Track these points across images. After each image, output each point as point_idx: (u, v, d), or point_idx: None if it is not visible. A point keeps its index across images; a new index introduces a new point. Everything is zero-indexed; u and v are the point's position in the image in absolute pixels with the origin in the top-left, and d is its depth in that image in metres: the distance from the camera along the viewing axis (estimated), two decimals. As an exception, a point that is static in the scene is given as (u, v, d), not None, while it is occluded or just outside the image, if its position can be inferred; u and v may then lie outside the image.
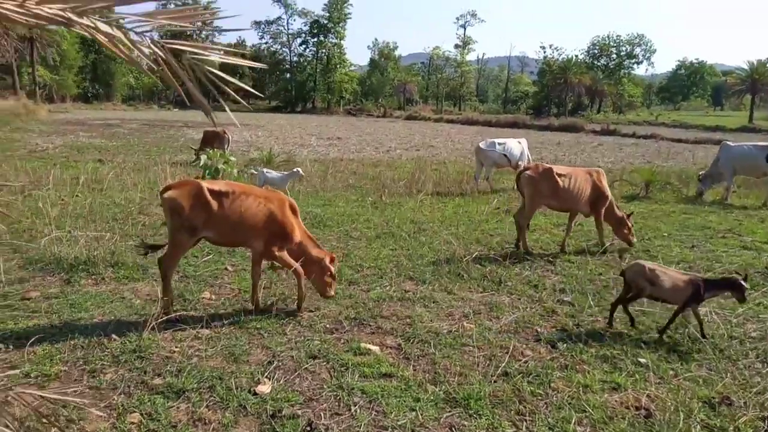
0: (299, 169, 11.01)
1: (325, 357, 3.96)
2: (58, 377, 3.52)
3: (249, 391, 3.43)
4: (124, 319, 4.41)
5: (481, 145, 12.73)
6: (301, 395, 3.46)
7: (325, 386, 3.58)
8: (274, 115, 65.51)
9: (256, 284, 4.79)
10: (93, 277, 5.37)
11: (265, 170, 10.80)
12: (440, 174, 14.59)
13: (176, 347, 3.99)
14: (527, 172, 7.26)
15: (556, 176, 7.07)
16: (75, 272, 5.40)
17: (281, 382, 3.59)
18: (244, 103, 2.26)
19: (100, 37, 1.44)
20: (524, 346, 4.34)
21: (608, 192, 7.36)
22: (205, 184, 4.43)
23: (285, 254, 4.70)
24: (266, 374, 3.66)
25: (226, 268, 5.93)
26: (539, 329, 4.65)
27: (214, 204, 4.35)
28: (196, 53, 1.66)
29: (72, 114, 48.38)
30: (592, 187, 7.21)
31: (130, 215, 8.23)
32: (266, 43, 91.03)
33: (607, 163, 19.76)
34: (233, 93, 1.77)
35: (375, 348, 4.13)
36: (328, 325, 4.56)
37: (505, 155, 12.51)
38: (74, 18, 1.37)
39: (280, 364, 3.83)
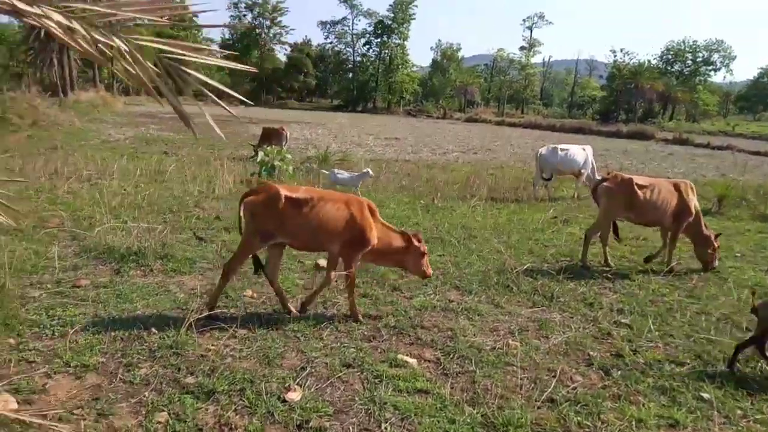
0: (369, 169, 10.79)
1: (360, 366, 3.82)
2: (95, 368, 3.55)
3: (279, 398, 3.33)
4: (165, 313, 4.44)
5: (542, 150, 12.26)
6: (331, 406, 3.33)
7: (356, 398, 3.43)
8: (335, 113, 66.32)
9: (350, 292, 4.68)
10: (142, 268, 5.47)
11: (335, 171, 10.66)
12: (496, 179, 14.20)
13: (212, 345, 3.96)
14: (605, 183, 6.86)
15: (636, 187, 6.64)
16: (125, 262, 5.52)
17: (312, 390, 3.48)
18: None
19: (54, 29, 1.33)
20: (574, 370, 4.04)
21: (695, 206, 6.80)
22: (285, 191, 4.40)
23: (358, 259, 4.64)
24: (298, 380, 3.56)
25: (271, 266, 5.89)
26: (592, 353, 4.33)
27: (292, 211, 4.34)
28: (171, 53, 1.52)
29: (145, 107, 50.78)
30: (677, 200, 6.72)
31: (185, 208, 8.41)
32: (331, 42, 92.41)
33: (677, 174, 18.68)
34: (209, 93, 1.60)
35: (412, 361, 3.95)
36: (366, 333, 4.42)
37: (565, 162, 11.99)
38: (21, 6, 1.26)
39: (313, 370, 3.72)
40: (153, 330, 4.09)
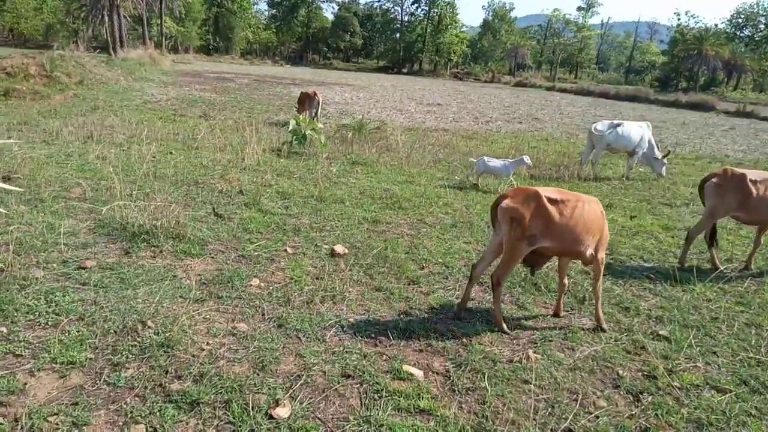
0: (527, 156, 9.82)
1: (360, 377, 3.52)
2: (82, 366, 3.38)
3: (266, 413, 3.08)
4: (166, 303, 4.25)
5: (597, 125, 11.45)
6: (322, 426, 3.07)
7: (351, 417, 3.15)
8: (379, 75, 65.26)
9: (598, 296, 4.55)
10: (152, 248, 5.30)
11: (485, 158, 9.75)
12: (539, 153, 13.47)
13: (207, 344, 3.75)
14: (713, 179, 6.18)
15: (750, 184, 5.98)
16: (136, 242, 5.36)
17: (304, 404, 3.21)
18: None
19: None
20: (598, 392, 3.63)
21: None
22: (543, 193, 4.18)
23: (603, 259, 4.49)
24: (290, 392, 3.30)
25: (285, 250, 5.65)
26: (621, 371, 3.89)
27: (554, 213, 4.14)
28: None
29: (193, 65, 51.23)
30: None
31: (210, 179, 8.24)
32: (379, 0, 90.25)
33: (737, 152, 17.40)
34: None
35: (418, 373, 3.63)
36: (373, 334, 4.12)
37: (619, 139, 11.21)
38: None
39: (309, 380, 3.46)
40: (149, 323, 3.90)
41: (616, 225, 7.66)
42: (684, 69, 64.69)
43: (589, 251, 4.34)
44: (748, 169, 6.54)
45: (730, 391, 3.72)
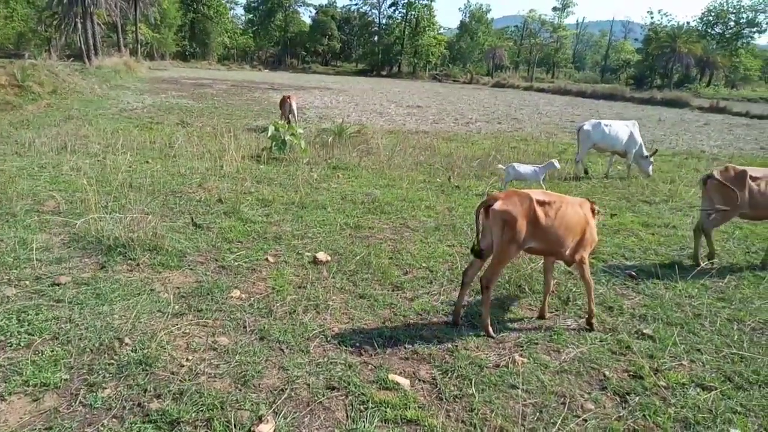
0: (555, 160, 9.74)
1: (346, 389, 3.45)
2: (56, 388, 3.26)
3: (249, 431, 3.00)
4: (143, 318, 4.14)
5: (585, 125, 11.56)
6: (307, 441, 2.99)
7: (336, 431, 3.08)
8: (359, 78, 65.22)
9: (589, 292, 4.57)
10: (129, 262, 5.17)
11: (515, 165, 9.66)
12: (519, 153, 13.54)
13: (187, 359, 3.64)
14: (716, 176, 6.26)
15: (750, 180, 6.08)
16: (112, 255, 5.23)
17: (288, 419, 3.14)
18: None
19: None
20: (586, 395, 3.61)
21: None
22: (534, 196, 4.25)
23: (587, 260, 4.57)
24: (274, 407, 3.22)
25: (266, 259, 5.55)
26: (607, 372, 3.88)
27: (542, 215, 4.22)
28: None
29: (169, 72, 50.63)
30: None
31: (188, 188, 8.10)
32: (356, 4, 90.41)
33: (713, 147, 17.71)
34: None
35: (405, 382, 3.57)
36: (358, 343, 4.05)
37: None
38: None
39: (293, 393, 3.38)
40: (126, 340, 3.79)
41: (597, 224, 7.68)
42: (658, 67, 65.78)
43: (569, 251, 4.40)
44: (743, 166, 6.64)
45: (716, 389, 3.73)
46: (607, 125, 11.40)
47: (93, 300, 4.38)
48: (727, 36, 71.00)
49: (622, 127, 11.42)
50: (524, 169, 9.52)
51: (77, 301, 4.32)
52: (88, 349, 3.66)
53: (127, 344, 3.75)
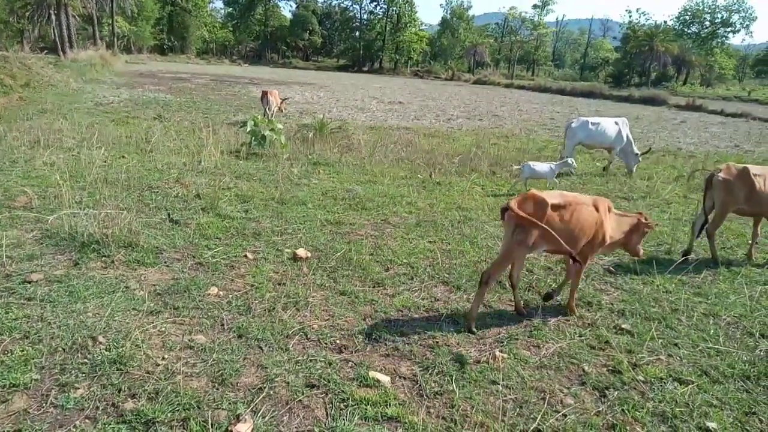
0: (572, 159, 9.75)
1: (326, 386, 3.41)
2: (26, 389, 3.16)
3: (226, 430, 2.94)
4: (118, 316, 4.04)
5: (573, 123, 11.70)
6: (286, 440, 2.95)
7: (316, 429, 3.04)
8: (340, 74, 64.97)
9: (574, 289, 4.79)
10: (103, 259, 5.05)
11: (530, 163, 9.69)
12: (499, 150, 13.60)
13: (163, 358, 3.57)
14: (720, 174, 6.33)
15: (753, 177, 6.17)
16: (86, 252, 5.10)
17: (267, 418, 3.09)
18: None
19: None
20: (565, 390, 3.63)
21: None
22: (548, 199, 4.31)
23: (589, 261, 4.78)
24: (252, 406, 3.17)
25: (245, 255, 5.47)
26: (586, 367, 3.90)
27: (556, 219, 4.31)
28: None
29: (147, 65, 49.79)
30: None
31: (165, 183, 7.96)
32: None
33: (689, 145, 18.01)
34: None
35: (385, 379, 3.54)
36: (338, 341, 4.01)
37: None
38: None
39: (272, 392, 3.32)
40: (99, 339, 3.69)
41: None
42: (636, 65, 66.74)
43: (577, 250, 4.48)
44: (738, 164, 6.77)
45: (693, 383, 3.78)
46: (594, 123, 11.55)
47: (66, 298, 4.26)
48: (703, 35, 72.39)
49: (610, 124, 11.58)
50: (540, 167, 9.59)
51: (49, 299, 4.20)
52: (60, 349, 3.56)
53: (100, 343, 3.65)
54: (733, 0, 71.21)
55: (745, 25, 71.74)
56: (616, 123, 11.66)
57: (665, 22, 72.19)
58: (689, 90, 55.88)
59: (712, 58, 69.22)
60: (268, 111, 15.57)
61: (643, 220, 4.86)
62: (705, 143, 18.81)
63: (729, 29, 72.19)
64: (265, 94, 16.06)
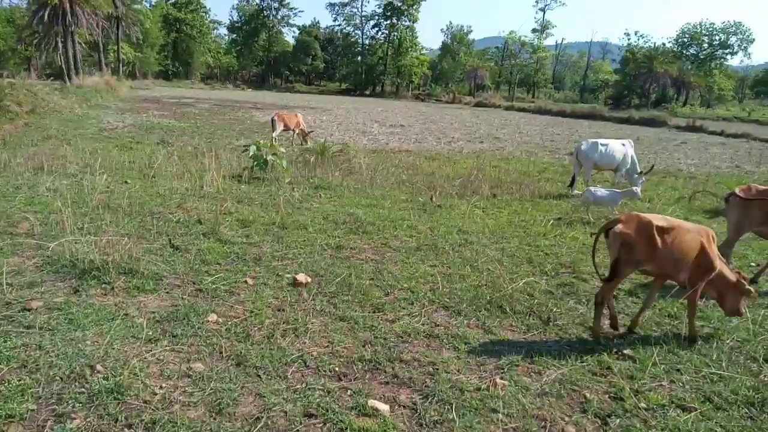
0: (636, 188, 9.56)
1: (324, 416, 3.38)
2: (22, 419, 3.14)
3: (222, 461, 2.91)
4: (116, 344, 4.02)
5: (582, 146, 11.81)
6: (283, 471, 2.91)
7: (314, 459, 3.01)
8: (342, 98, 65.65)
9: (692, 315, 4.79)
10: (103, 286, 5.05)
11: (592, 189, 9.55)
12: (500, 173, 13.66)
13: (161, 387, 3.54)
14: (738, 195, 6.37)
15: None
16: (86, 279, 5.11)
17: (264, 449, 3.05)
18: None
19: None
20: (567, 418, 3.58)
21: None
22: (654, 221, 4.56)
23: (701, 287, 4.74)
24: (249, 436, 3.14)
25: (245, 281, 5.47)
26: (588, 394, 3.86)
27: (659, 240, 4.52)
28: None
29: (151, 91, 50.45)
30: None
31: (167, 209, 8.00)
32: (339, 25, 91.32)
33: (690, 166, 18.06)
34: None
35: (384, 408, 3.51)
36: (337, 368, 3.98)
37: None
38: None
39: (269, 422, 3.29)
40: (98, 367, 3.68)
41: (577, 242, 7.75)
42: (636, 86, 67.20)
43: (683, 275, 4.67)
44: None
45: (696, 410, 3.73)
46: (603, 144, 11.65)
47: (65, 325, 4.25)
48: (702, 57, 73.11)
49: (618, 145, 11.70)
50: (601, 193, 9.45)
51: (48, 327, 4.20)
52: (57, 378, 3.55)
53: (98, 372, 3.64)
54: (730, 22, 72.13)
55: (743, 47, 72.53)
56: (624, 145, 11.77)
57: (664, 44, 72.90)
58: (689, 111, 56.16)
59: (712, 80, 69.78)
60: (274, 134, 16.51)
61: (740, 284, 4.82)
62: (706, 164, 18.85)
63: (727, 51, 72.95)
64: (281, 117, 17.16)
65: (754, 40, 72.22)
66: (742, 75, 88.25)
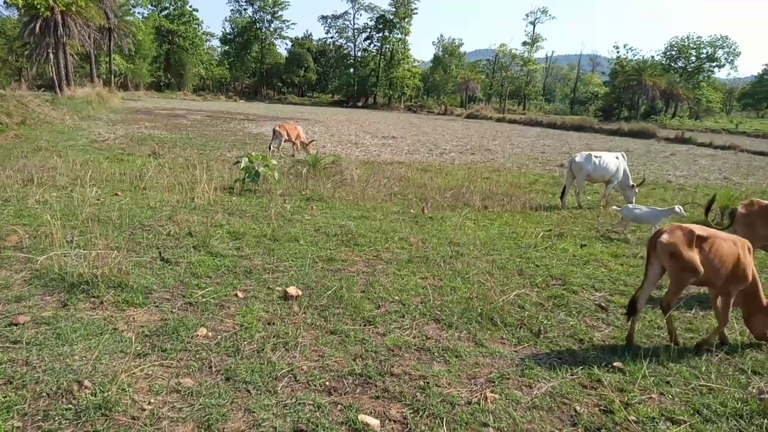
0: (679, 206, 9.28)
1: (314, 431, 3.36)
2: (7, 437, 3.10)
3: (211, 478, 2.89)
4: (105, 359, 3.99)
5: (577, 158, 11.91)
6: (272, 488, 2.89)
7: (303, 476, 2.99)
8: (335, 109, 65.84)
9: (721, 323, 4.99)
10: (92, 299, 5.01)
11: (630, 206, 9.38)
12: (491, 184, 13.72)
13: (149, 403, 3.51)
14: (740, 209, 6.49)
15: None
16: (75, 293, 5.07)
17: (253, 465, 3.03)
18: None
19: None
20: (557, 431, 3.58)
21: None
22: (696, 231, 4.81)
23: (732, 297, 4.97)
24: (238, 452, 3.11)
25: (236, 294, 5.45)
26: (578, 407, 3.87)
27: (701, 248, 4.78)
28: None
29: (143, 102, 50.41)
30: None
31: (158, 221, 7.96)
32: (332, 37, 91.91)
33: (679, 178, 18.23)
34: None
35: (374, 423, 3.50)
36: (327, 382, 3.97)
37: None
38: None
39: (259, 437, 3.27)
40: (86, 383, 3.64)
41: (567, 254, 7.79)
42: (625, 99, 67.95)
43: (720, 283, 4.88)
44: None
45: (685, 422, 3.74)
46: (597, 156, 11.76)
47: (53, 340, 4.21)
48: (690, 70, 74.16)
49: (611, 158, 11.81)
50: (640, 211, 9.29)
51: (35, 342, 4.16)
52: (44, 394, 3.51)
53: (86, 387, 3.60)
54: (717, 36, 73.27)
55: (729, 60, 73.63)
56: (617, 157, 11.90)
57: (652, 57, 73.93)
58: (678, 123, 56.83)
59: (700, 92, 70.71)
60: (274, 145, 17.01)
61: None
62: (694, 175, 19.05)
63: (714, 64, 74.04)
64: (283, 128, 17.66)
65: (740, 53, 73.42)
66: (730, 88, 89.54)
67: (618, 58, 75.52)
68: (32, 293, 5.07)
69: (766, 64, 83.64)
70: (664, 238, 4.79)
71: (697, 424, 3.75)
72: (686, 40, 74.17)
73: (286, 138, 17.81)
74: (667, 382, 4.31)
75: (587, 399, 4.00)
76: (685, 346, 4.99)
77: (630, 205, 9.71)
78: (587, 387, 4.18)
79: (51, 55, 43.83)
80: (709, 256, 4.78)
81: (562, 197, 11.94)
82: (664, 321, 5.07)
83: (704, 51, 73.67)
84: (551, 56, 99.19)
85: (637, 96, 64.66)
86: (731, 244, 4.88)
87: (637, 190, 11.86)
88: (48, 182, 10.31)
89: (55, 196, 9.13)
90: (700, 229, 4.87)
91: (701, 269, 4.75)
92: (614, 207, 10.46)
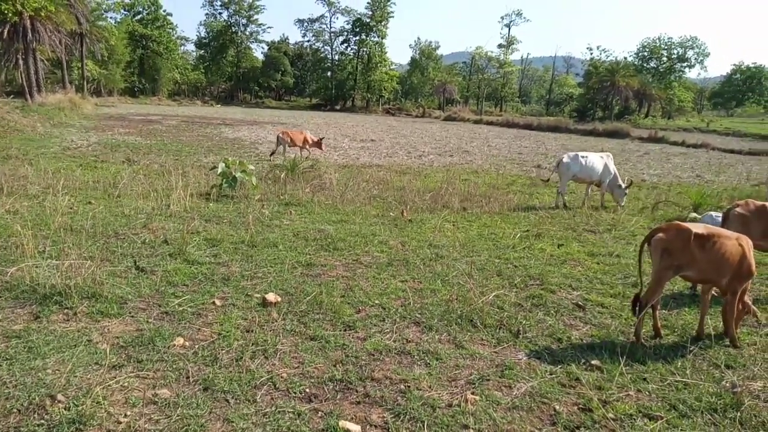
0: (714, 213, 8.75)
1: (294, 439, 3.33)
2: (-24, 455, 3.01)
3: (189, 491, 2.84)
4: (79, 372, 3.90)
5: (565, 158, 12.06)
6: (252, 498, 2.85)
7: (284, 485, 2.96)
8: (312, 113, 65.62)
9: (729, 320, 5.03)
10: (65, 311, 4.90)
11: (713, 214, 8.68)
12: (469, 186, 13.81)
13: (125, 415, 3.44)
14: (737, 209, 6.55)
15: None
16: (47, 304, 4.95)
17: (232, 476, 2.99)
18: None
19: None
20: (537, 431, 3.61)
21: None
22: (693, 229, 4.84)
23: (738, 294, 5.00)
24: (217, 463, 3.07)
25: (213, 302, 5.38)
26: (557, 406, 3.90)
27: (698, 247, 4.81)
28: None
29: (117, 108, 49.59)
30: None
31: (132, 229, 7.83)
32: (308, 41, 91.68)
33: (653, 176, 18.59)
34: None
35: (355, 428, 3.48)
36: (308, 389, 3.94)
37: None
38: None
39: (238, 447, 3.23)
40: (59, 397, 3.55)
41: (544, 254, 7.87)
42: (599, 99, 69.01)
43: (724, 281, 4.93)
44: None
45: (662, 418, 3.80)
46: (584, 157, 11.94)
47: (24, 354, 4.11)
48: (661, 70, 75.75)
49: (597, 158, 12.01)
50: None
51: (6, 357, 4.04)
52: (15, 410, 3.41)
53: (59, 402, 3.51)
54: (687, 37, 75.00)
55: (699, 60, 75.39)
56: (602, 157, 12.10)
57: (625, 58, 75.30)
58: (651, 122, 57.99)
59: (671, 92, 72.22)
60: (279, 151, 17.79)
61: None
62: (668, 174, 19.43)
63: (685, 64, 75.75)
64: (286, 134, 18.08)
65: (709, 54, 75.21)
66: (700, 87, 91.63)
67: (591, 59, 76.77)
68: (2, 306, 4.94)
69: (734, 65, 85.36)
70: (659, 235, 4.91)
71: (673, 419, 3.81)
72: (657, 41, 75.78)
73: (290, 143, 18.05)
74: (644, 379, 4.38)
75: (566, 398, 4.04)
76: (661, 344, 5.08)
77: (713, 213, 8.86)
78: (566, 386, 4.22)
79: (20, 61, 42.79)
80: (712, 254, 4.81)
81: (559, 195, 12.05)
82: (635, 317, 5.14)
83: (675, 52, 75.35)
84: (526, 58, 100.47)
85: (610, 96, 65.72)
86: (734, 242, 4.91)
87: (627, 191, 12.07)
88: (18, 191, 10.07)
89: (26, 205, 8.92)
90: (701, 228, 4.91)
91: (689, 271, 4.88)
92: (693, 213, 10.38)
